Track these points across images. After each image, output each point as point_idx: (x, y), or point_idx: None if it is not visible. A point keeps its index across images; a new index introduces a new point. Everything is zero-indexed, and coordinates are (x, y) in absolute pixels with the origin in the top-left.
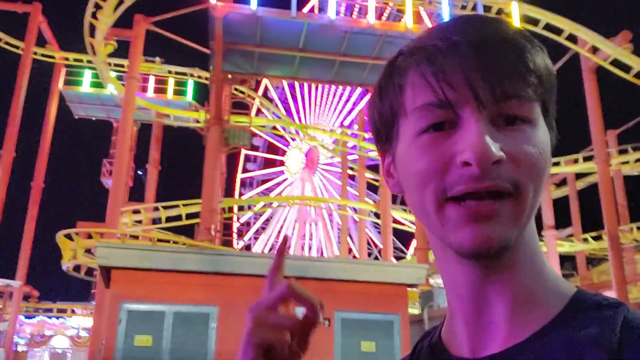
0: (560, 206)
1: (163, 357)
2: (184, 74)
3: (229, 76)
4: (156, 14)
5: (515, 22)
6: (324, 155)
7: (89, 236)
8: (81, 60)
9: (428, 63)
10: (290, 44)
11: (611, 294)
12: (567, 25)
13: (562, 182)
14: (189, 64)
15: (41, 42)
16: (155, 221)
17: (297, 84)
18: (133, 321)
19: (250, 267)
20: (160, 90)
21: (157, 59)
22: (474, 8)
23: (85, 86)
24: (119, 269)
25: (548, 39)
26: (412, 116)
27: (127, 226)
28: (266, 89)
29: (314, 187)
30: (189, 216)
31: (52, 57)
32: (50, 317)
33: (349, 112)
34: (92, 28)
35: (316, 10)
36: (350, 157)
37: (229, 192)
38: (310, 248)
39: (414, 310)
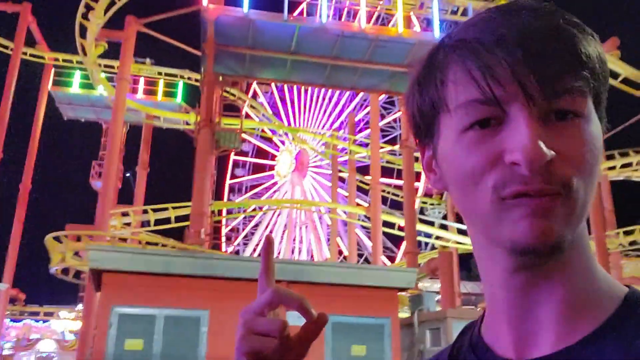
0: None
1: None
2: (174, 75)
3: (220, 78)
4: (147, 15)
5: None
6: (314, 158)
7: (78, 239)
8: (71, 61)
9: (472, 58)
10: (282, 47)
11: None
12: None
13: None
14: (180, 65)
15: (31, 42)
16: (144, 224)
17: (286, 89)
18: (124, 325)
19: (241, 271)
20: (150, 91)
21: (148, 60)
22: (465, 14)
23: (75, 87)
24: (110, 272)
25: None
26: (456, 113)
27: (116, 229)
28: (255, 93)
29: (304, 191)
30: (178, 219)
31: (42, 57)
32: (37, 321)
33: (338, 116)
34: (83, 29)
35: (305, 15)
36: (340, 159)
37: (217, 198)
38: (300, 251)
39: (404, 314)
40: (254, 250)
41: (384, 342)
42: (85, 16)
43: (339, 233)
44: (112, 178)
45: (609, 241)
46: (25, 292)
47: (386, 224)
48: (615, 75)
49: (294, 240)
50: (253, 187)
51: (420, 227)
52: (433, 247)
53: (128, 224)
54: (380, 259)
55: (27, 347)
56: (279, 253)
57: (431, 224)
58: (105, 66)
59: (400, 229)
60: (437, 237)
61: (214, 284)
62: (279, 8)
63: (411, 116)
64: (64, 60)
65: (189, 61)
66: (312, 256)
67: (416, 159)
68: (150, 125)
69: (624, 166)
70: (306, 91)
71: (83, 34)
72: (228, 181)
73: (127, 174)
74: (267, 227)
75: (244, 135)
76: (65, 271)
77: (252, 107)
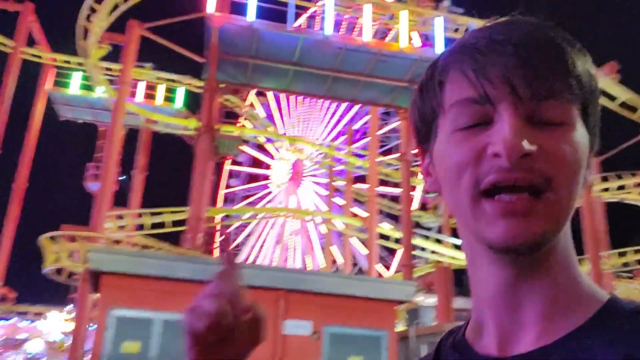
0: None
1: None
2: (174, 80)
3: (222, 85)
4: (150, 19)
5: None
6: (309, 167)
7: (72, 240)
8: (70, 62)
9: (469, 60)
10: (285, 57)
11: None
12: None
13: None
14: (180, 71)
15: (31, 42)
16: (139, 227)
17: (282, 99)
18: (121, 327)
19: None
20: (149, 95)
21: (148, 64)
22: (467, 31)
23: (73, 88)
24: (109, 274)
25: None
26: (450, 112)
27: (111, 231)
28: (251, 105)
29: (299, 200)
30: (175, 223)
31: (41, 57)
32: (28, 320)
33: (335, 126)
34: (85, 31)
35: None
36: (335, 169)
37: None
38: (294, 260)
39: (398, 327)
40: (246, 260)
41: (380, 354)
42: (88, 18)
43: (332, 242)
44: (109, 180)
45: (602, 262)
46: (16, 291)
47: (382, 235)
48: (613, 99)
49: (287, 249)
50: (246, 197)
51: (415, 241)
52: (427, 262)
53: (123, 227)
54: (375, 270)
55: (16, 347)
56: (270, 262)
57: (426, 237)
58: (106, 69)
59: (397, 241)
60: (433, 252)
61: None
62: (282, 19)
63: (413, 122)
64: (63, 61)
65: (189, 67)
66: (304, 265)
67: (413, 173)
68: (148, 130)
69: (618, 188)
70: (303, 103)
71: (85, 36)
72: (222, 191)
73: (121, 177)
74: (259, 236)
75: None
76: (58, 271)
77: (250, 115)
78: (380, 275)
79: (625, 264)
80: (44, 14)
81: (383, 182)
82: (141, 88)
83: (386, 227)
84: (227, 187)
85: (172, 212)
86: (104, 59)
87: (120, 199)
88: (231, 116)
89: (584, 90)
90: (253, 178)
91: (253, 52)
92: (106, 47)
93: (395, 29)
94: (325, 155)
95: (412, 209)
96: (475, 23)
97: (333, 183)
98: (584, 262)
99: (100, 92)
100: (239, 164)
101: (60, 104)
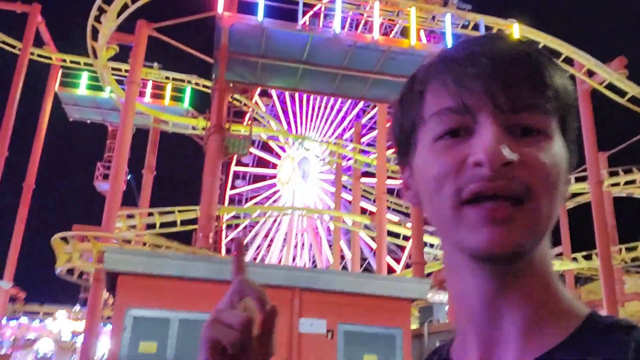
0: None
1: None
2: (182, 80)
3: (231, 85)
4: (158, 19)
5: None
6: (316, 164)
7: (82, 240)
8: (78, 63)
9: (448, 71)
10: (294, 55)
11: (601, 313)
12: (565, 49)
13: None
14: (188, 70)
15: (39, 43)
16: (149, 227)
17: (287, 98)
18: (138, 327)
19: (254, 277)
20: (157, 95)
21: (155, 64)
22: (475, 27)
23: (82, 89)
24: (125, 275)
25: None
26: (430, 122)
27: (121, 231)
28: (256, 104)
29: (306, 198)
30: (184, 222)
31: (49, 58)
32: (38, 320)
33: (341, 122)
34: (94, 31)
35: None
36: (343, 165)
37: None
38: (301, 257)
39: (412, 325)
40: (254, 259)
41: (395, 352)
42: (97, 19)
43: (340, 237)
44: (119, 180)
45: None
46: (25, 291)
47: (391, 232)
48: (622, 94)
49: (295, 246)
50: (252, 197)
51: (425, 238)
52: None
53: (133, 227)
54: (384, 267)
55: (26, 346)
56: (279, 261)
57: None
58: (113, 69)
59: (406, 238)
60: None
61: (228, 288)
62: (289, 17)
63: (393, 134)
64: (71, 62)
65: (197, 66)
66: (314, 262)
67: None
68: (157, 129)
69: (627, 183)
70: (308, 98)
71: (94, 37)
72: (228, 192)
73: (128, 177)
74: (267, 235)
75: None
76: (69, 272)
77: (257, 114)
78: (391, 268)
79: (634, 259)
80: (51, 15)
81: (390, 177)
82: (148, 88)
83: (394, 219)
84: (233, 187)
85: (180, 211)
86: (112, 59)
87: (128, 198)
88: (239, 115)
89: (561, 103)
90: (259, 178)
91: (262, 51)
92: (114, 48)
93: (400, 25)
94: (332, 153)
95: None
96: (484, 19)
97: (340, 179)
98: (593, 257)
99: (109, 92)
100: (244, 164)
101: (69, 104)
